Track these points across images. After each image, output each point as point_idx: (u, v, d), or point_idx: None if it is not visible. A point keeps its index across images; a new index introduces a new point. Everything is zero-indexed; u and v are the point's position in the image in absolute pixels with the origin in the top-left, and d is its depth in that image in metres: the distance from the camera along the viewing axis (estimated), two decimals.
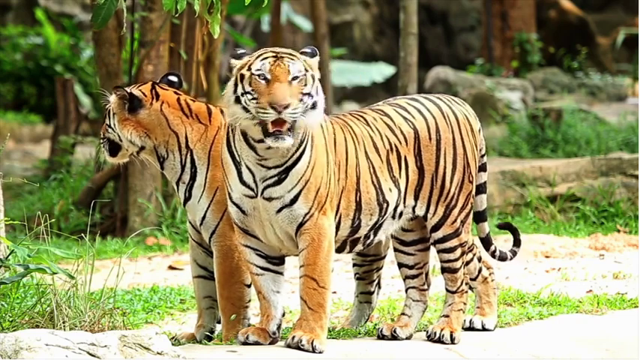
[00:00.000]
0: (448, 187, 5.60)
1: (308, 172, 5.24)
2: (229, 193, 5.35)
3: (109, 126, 5.80)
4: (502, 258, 6.02)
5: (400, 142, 5.53)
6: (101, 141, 5.86)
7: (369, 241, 5.54)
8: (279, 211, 5.25)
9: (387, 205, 5.49)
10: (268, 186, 5.24)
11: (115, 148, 5.83)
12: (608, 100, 19.46)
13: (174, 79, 5.92)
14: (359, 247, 5.56)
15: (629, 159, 10.56)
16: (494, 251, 5.98)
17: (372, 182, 5.45)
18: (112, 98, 5.80)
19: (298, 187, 5.23)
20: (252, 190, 5.27)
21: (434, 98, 5.72)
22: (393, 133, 5.53)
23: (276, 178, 5.24)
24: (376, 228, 5.51)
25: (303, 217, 5.25)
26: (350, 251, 5.58)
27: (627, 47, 21.85)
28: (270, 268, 5.42)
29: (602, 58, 21.83)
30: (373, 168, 5.45)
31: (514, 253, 6.05)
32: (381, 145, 5.49)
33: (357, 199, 5.42)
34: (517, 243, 6.08)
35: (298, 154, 5.23)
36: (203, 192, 5.70)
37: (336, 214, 5.37)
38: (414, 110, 5.62)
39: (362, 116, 5.56)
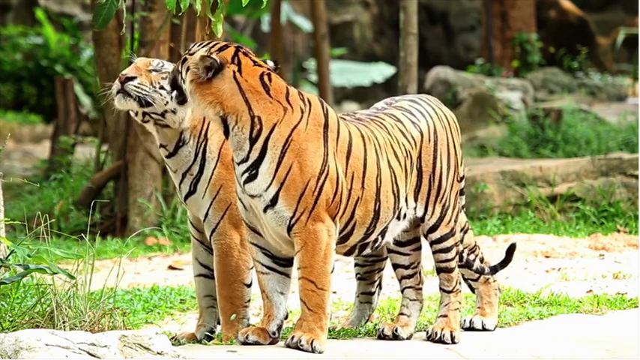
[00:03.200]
0: (444, 187, 5.62)
1: (281, 173, 5.22)
2: (236, 190, 5.39)
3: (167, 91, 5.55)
4: (468, 264, 5.87)
5: (412, 147, 5.55)
6: (141, 88, 5.55)
7: (377, 244, 5.55)
8: (265, 210, 5.26)
9: (399, 210, 5.51)
10: (245, 182, 5.27)
11: (141, 101, 5.55)
12: (608, 100, 19.46)
13: None
14: (367, 251, 5.57)
15: (629, 159, 10.56)
16: (462, 252, 5.87)
17: (393, 191, 5.45)
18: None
19: (274, 187, 5.22)
20: (240, 185, 5.30)
21: (426, 99, 5.76)
22: (407, 139, 5.55)
23: (247, 174, 5.25)
24: (384, 231, 5.51)
25: (290, 221, 5.24)
26: (359, 254, 5.59)
27: (627, 47, 21.85)
28: (276, 269, 5.42)
29: (602, 58, 21.84)
30: (395, 176, 5.46)
31: (494, 270, 5.91)
32: (400, 153, 5.50)
33: (376, 208, 5.41)
34: (504, 263, 5.96)
35: (257, 150, 5.22)
36: (207, 188, 5.67)
37: (351, 222, 5.37)
38: (417, 113, 5.64)
39: (382, 123, 5.55)
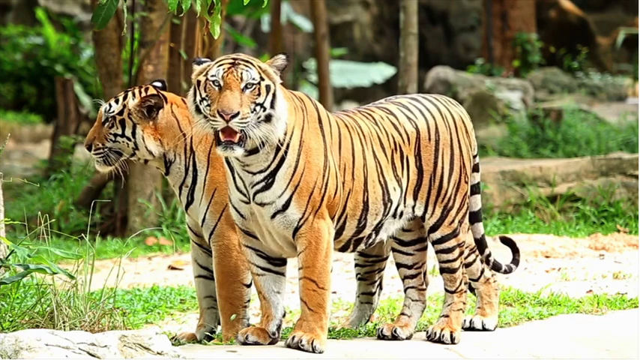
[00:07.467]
0: (446, 187, 5.60)
1: (297, 176, 5.22)
2: (230, 197, 5.36)
3: (119, 135, 5.68)
4: (496, 267, 5.90)
5: (404, 142, 5.53)
6: (99, 151, 5.71)
7: (370, 241, 5.55)
8: (273, 216, 5.25)
9: (391, 205, 5.49)
10: (257, 191, 5.24)
11: (111, 158, 5.74)
12: (608, 100, 19.46)
13: (158, 84, 5.88)
14: (361, 247, 5.56)
15: (629, 159, 10.57)
16: (489, 256, 5.88)
17: (379, 181, 5.44)
18: (132, 104, 5.71)
19: (288, 192, 5.22)
20: (245, 195, 5.28)
21: (432, 99, 5.73)
22: (398, 132, 5.53)
23: (263, 183, 5.23)
24: (378, 227, 5.51)
25: (298, 222, 5.24)
26: (353, 250, 5.58)
27: (627, 47, 21.85)
28: (271, 269, 5.42)
29: (602, 58, 21.83)
30: (380, 167, 5.45)
31: (510, 269, 5.95)
32: (387, 144, 5.49)
33: (365, 199, 5.41)
34: (515, 261, 6.00)
35: (279, 158, 5.21)
36: (203, 194, 5.70)
37: (342, 215, 5.37)
38: (415, 110, 5.63)
39: (370, 114, 5.55)
